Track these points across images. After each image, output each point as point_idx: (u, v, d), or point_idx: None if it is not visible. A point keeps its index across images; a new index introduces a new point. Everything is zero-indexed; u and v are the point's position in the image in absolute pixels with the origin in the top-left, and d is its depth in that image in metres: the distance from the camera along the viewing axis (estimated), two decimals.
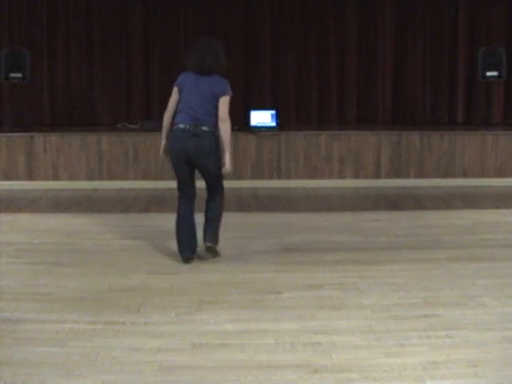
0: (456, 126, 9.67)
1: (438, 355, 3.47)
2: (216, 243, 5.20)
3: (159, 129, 8.69)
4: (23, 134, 8.43)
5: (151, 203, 7.48)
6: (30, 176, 8.29)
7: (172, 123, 5.17)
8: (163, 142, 5.21)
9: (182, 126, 5.01)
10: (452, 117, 9.97)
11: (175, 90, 5.14)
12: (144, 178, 8.35)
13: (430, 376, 3.26)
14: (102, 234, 5.99)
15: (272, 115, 8.61)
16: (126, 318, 4.00)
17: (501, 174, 8.48)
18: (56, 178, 8.31)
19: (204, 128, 4.97)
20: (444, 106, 9.99)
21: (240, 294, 4.45)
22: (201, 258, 5.19)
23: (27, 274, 4.86)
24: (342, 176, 8.45)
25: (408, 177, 8.48)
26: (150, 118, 9.55)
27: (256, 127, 8.47)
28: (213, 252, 5.19)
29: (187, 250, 5.14)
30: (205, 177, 5.17)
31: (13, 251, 5.44)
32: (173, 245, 5.62)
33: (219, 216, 5.24)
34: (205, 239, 5.17)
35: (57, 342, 3.64)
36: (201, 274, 4.87)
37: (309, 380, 3.24)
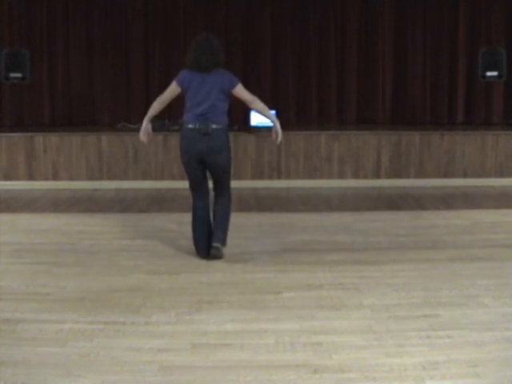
0: (456, 126, 9.67)
1: (438, 355, 3.47)
2: (223, 244, 5.17)
3: (159, 129, 8.80)
4: (23, 133, 8.43)
5: (151, 203, 7.47)
6: (30, 176, 8.29)
7: (181, 123, 5.20)
8: (144, 123, 5.21)
9: (191, 125, 5.00)
10: (452, 117, 9.96)
11: (174, 86, 5.07)
12: (144, 178, 8.35)
13: (429, 376, 3.25)
14: (102, 234, 5.99)
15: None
16: (126, 318, 4.00)
17: (501, 173, 8.48)
18: (56, 178, 8.31)
19: (214, 126, 4.98)
20: (444, 106, 9.99)
21: (240, 293, 4.44)
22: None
23: (27, 273, 4.85)
24: (342, 176, 8.45)
25: (408, 177, 8.48)
26: None
27: (256, 127, 8.46)
28: (218, 253, 5.13)
29: (204, 251, 5.17)
30: (215, 175, 5.18)
31: (13, 251, 5.43)
32: (173, 244, 5.62)
33: (226, 220, 5.22)
34: (212, 239, 5.15)
35: (57, 342, 3.64)
36: (201, 274, 4.87)
37: (309, 380, 3.23)
